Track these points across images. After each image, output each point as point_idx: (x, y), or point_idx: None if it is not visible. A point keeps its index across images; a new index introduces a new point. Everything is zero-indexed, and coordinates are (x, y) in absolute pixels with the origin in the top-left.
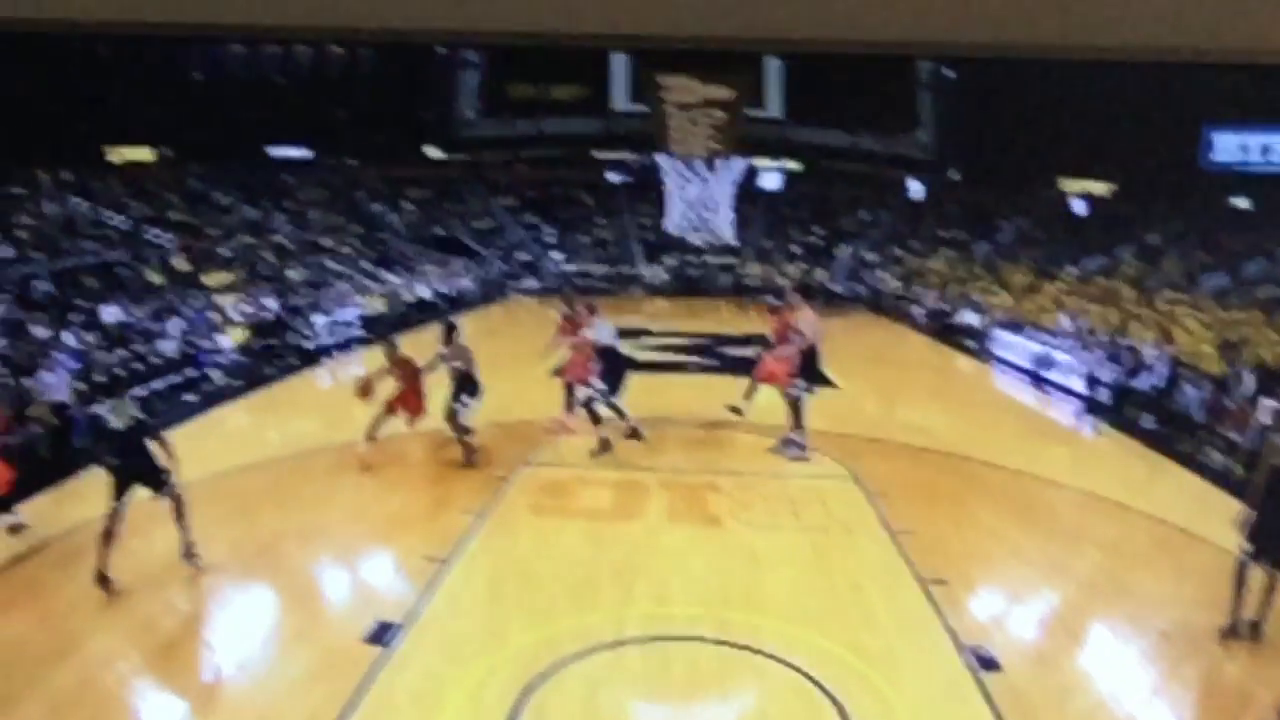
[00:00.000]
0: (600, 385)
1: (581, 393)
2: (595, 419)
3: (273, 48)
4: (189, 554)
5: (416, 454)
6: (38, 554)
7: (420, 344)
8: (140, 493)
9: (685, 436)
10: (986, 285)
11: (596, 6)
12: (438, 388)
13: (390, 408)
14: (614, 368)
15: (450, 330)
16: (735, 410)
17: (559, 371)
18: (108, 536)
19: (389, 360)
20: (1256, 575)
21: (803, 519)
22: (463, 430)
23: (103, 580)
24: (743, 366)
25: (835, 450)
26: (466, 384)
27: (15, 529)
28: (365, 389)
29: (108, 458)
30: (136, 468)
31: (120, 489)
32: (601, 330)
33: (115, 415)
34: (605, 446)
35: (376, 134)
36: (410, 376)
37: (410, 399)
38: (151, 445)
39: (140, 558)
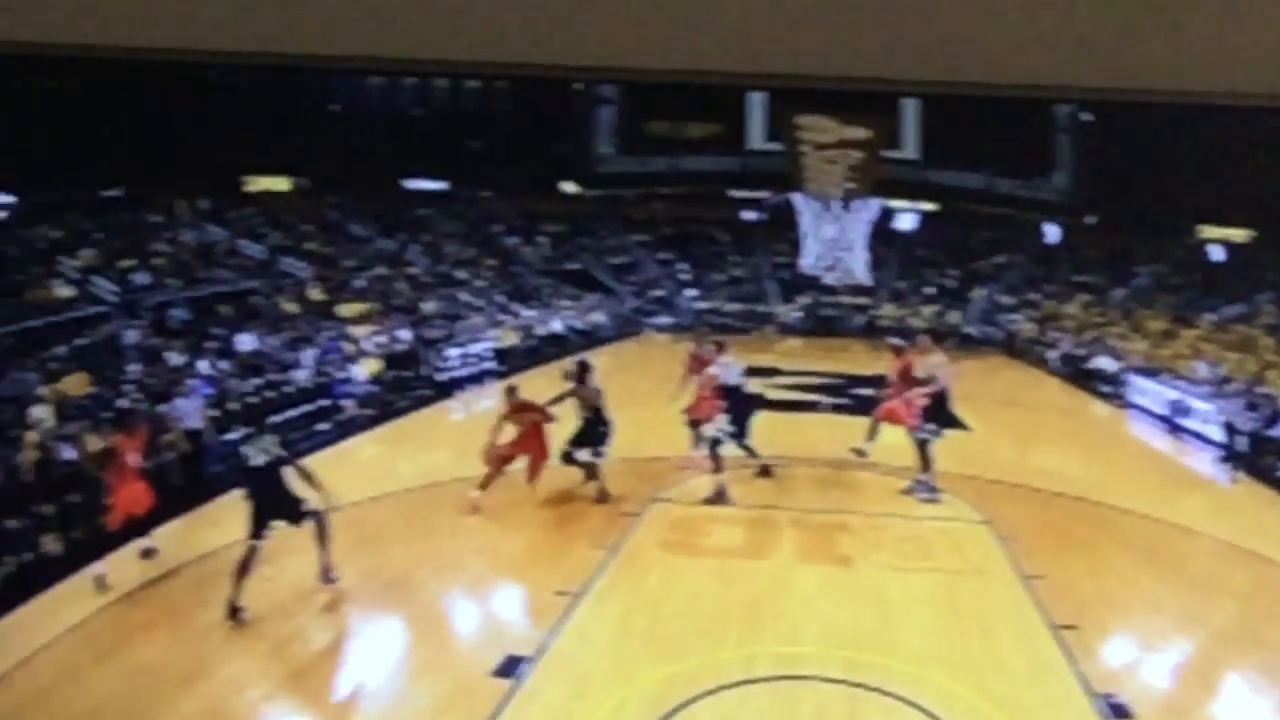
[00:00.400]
0: (727, 427)
1: (708, 430)
2: (716, 464)
3: (410, 80)
4: (327, 576)
5: (546, 489)
6: (170, 579)
7: (551, 377)
8: (279, 525)
9: (816, 476)
10: (1122, 330)
11: (735, 45)
12: (563, 425)
13: (507, 457)
14: (741, 407)
15: (584, 370)
16: (859, 452)
17: (687, 410)
18: (243, 570)
19: (509, 408)
20: None
21: (934, 561)
22: (593, 472)
23: (234, 612)
24: (875, 407)
25: (967, 493)
26: (597, 427)
27: (147, 553)
28: (492, 459)
29: (247, 493)
30: (275, 503)
31: (258, 524)
32: (729, 370)
33: (255, 451)
34: (720, 497)
35: (512, 168)
36: (533, 423)
37: (533, 445)
38: (291, 477)
39: (272, 585)
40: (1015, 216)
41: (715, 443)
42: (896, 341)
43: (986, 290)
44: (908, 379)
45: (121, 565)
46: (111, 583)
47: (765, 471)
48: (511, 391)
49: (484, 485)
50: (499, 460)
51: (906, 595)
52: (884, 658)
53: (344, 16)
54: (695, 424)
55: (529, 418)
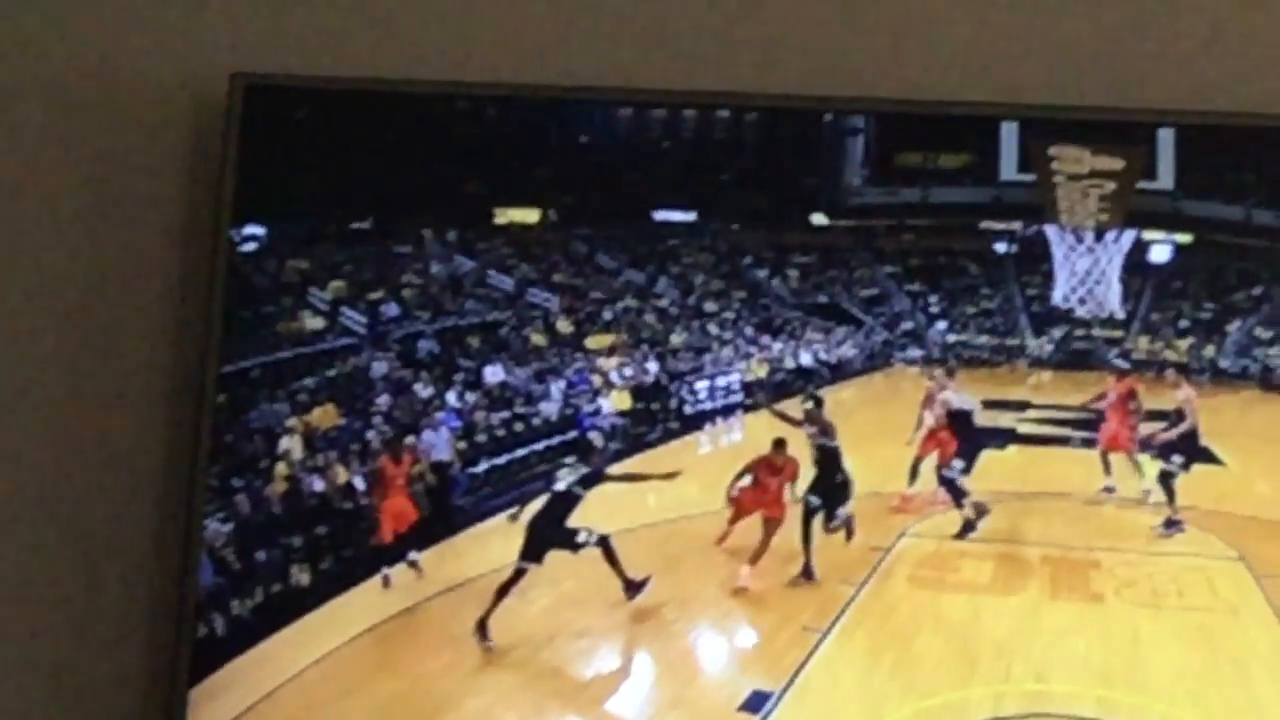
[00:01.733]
0: (959, 464)
1: (944, 472)
2: (957, 497)
3: (659, 111)
4: (631, 588)
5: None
6: (414, 613)
7: (798, 413)
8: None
9: (1067, 511)
10: None
11: (987, 75)
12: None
13: (743, 509)
14: (969, 440)
15: (816, 403)
16: (1108, 490)
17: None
18: (504, 591)
19: (770, 458)
20: None
21: (1187, 599)
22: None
23: (483, 627)
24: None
25: (1221, 529)
26: (833, 473)
27: (412, 564)
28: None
29: (538, 515)
30: (558, 530)
31: (538, 549)
32: (957, 396)
33: (567, 473)
34: (969, 527)
35: (761, 199)
36: (778, 479)
37: (770, 502)
38: (577, 507)
39: (519, 618)
40: (1274, 248)
41: (949, 482)
42: (1120, 363)
43: (1243, 323)
44: (1126, 404)
45: (398, 575)
46: (396, 584)
47: (980, 513)
48: (779, 447)
49: (753, 560)
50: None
51: (1159, 633)
52: (1135, 696)
53: (592, 48)
54: (918, 462)
55: (780, 473)
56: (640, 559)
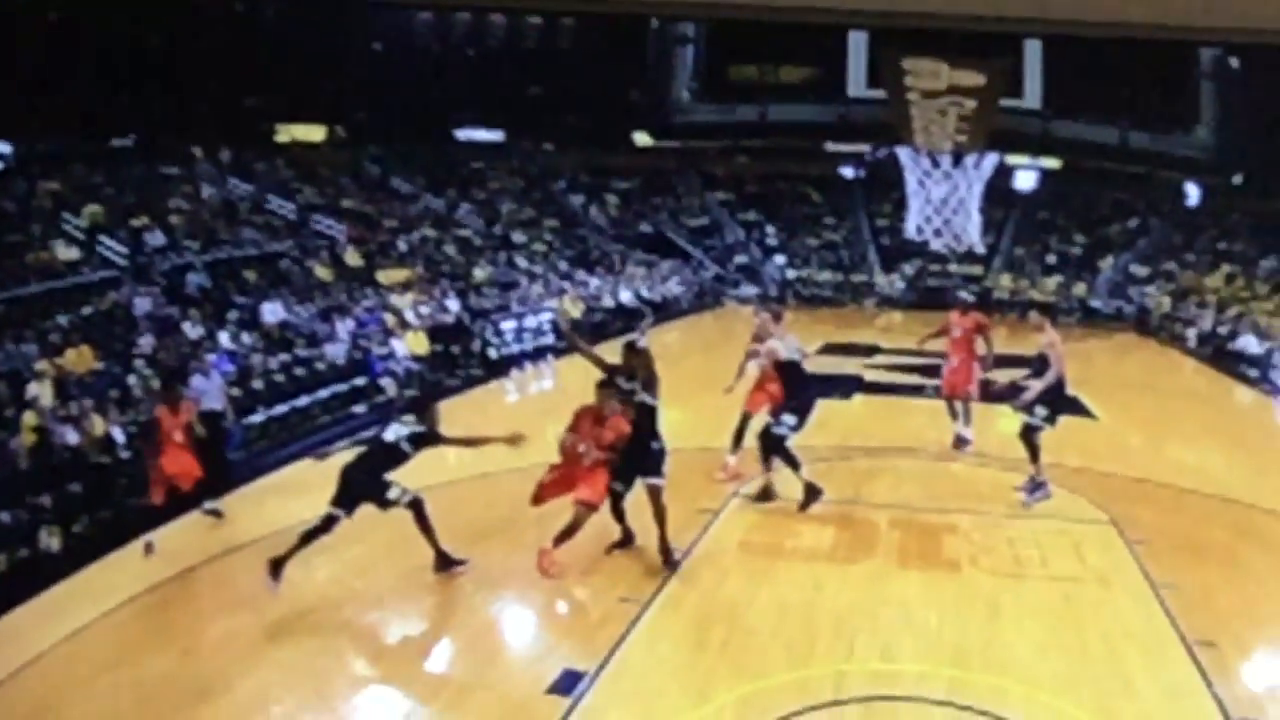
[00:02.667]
0: (790, 420)
1: (774, 429)
2: (792, 463)
3: (463, 16)
4: (447, 562)
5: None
6: (182, 582)
7: (618, 358)
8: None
9: (919, 469)
10: (1272, 307)
11: None
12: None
13: (549, 489)
14: (801, 394)
15: (634, 349)
16: (960, 440)
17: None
18: (310, 536)
19: (596, 407)
20: None
21: (1052, 567)
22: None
23: (277, 568)
24: (986, 391)
25: (1091, 490)
26: (647, 439)
27: (212, 512)
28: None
29: (355, 461)
30: (373, 482)
31: (350, 500)
32: (785, 344)
33: (398, 425)
34: (813, 495)
35: (577, 116)
36: (603, 440)
37: (587, 477)
38: (395, 469)
39: (300, 590)
40: (1151, 175)
41: (780, 440)
42: (964, 295)
43: (1117, 259)
44: (971, 342)
45: (176, 536)
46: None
47: (812, 493)
48: (610, 388)
49: (558, 540)
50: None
51: (1020, 605)
52: (993, 676)
53: None
54: (747, 418)
55: (601, 433)
56: (436, 520)
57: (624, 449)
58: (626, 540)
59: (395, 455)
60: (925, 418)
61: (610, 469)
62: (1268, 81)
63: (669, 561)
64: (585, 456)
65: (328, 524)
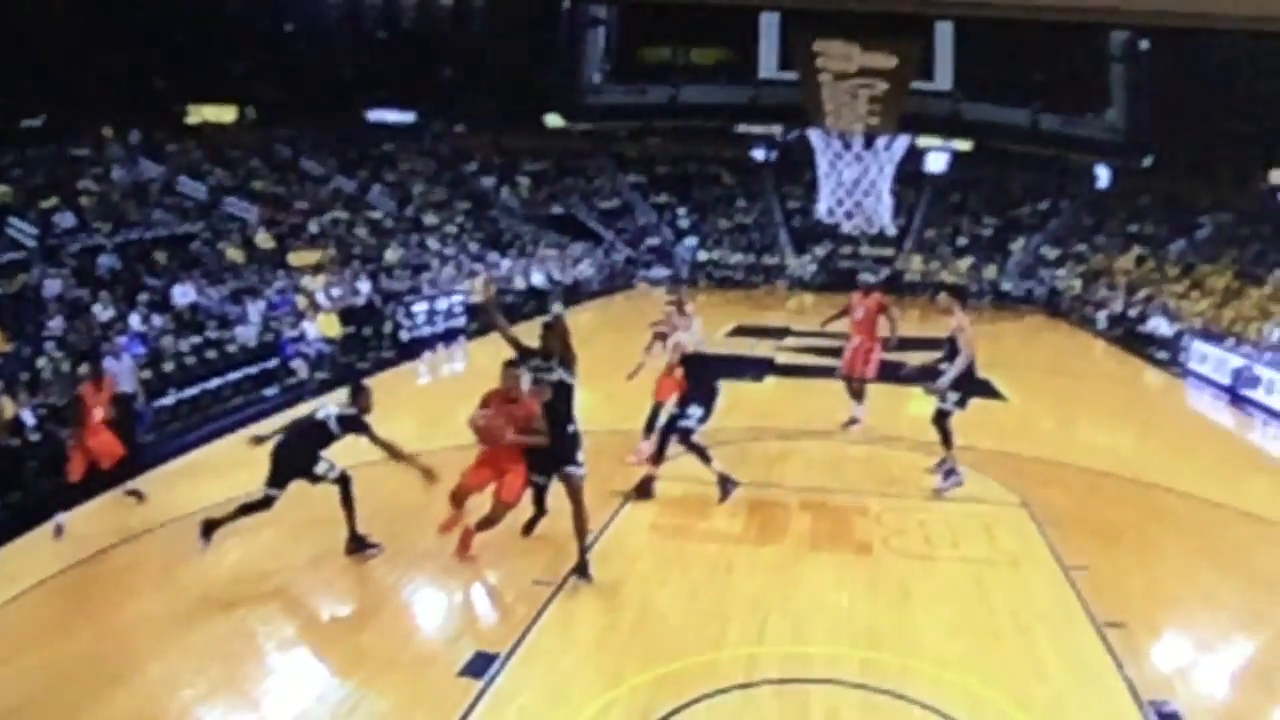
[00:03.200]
0: (696, 412)
1: (682, 421)
2: (702, 456)
3: None
4: (361, 544)
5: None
6: (94, 564)
7: (531, 340)
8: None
9: (830, 451)
10: (1181, 288)
11: None
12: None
13: (465, 489)
14: (705, 385)
15: (551, 328)
16: (852, 421)
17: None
18: (247, 510)
19: (505, 389)
20: None
21: (963, 549)
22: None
23: (209, 530)
24: (898, 373)
25: (1002, 472)
26: (564, 421)
27: (134, 494)
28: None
29: (285, 439)
30: (304, 458)
31: (277, 478)
32: (690, 336)
33: (325, 408)
34: (727, 487)
35: (489, 98)
36: (515, 419)
37: (506, 471)
38: (324, 449)
39: (212, 573)
40: (1061, 158)
41: (687, 433)
42: (865, 277)
43: (1027, 241)
44: (874, 324)
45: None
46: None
47: (725, 484)
48: (516, 367)
49: (480, 527)
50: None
51: (931, 588)
52: (905, 658)
53: None
54: (658, 406)
55: (514, 414)
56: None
57: (541, 433)
58: (539, 516)
59: (324, 434)
60: (837, 400)
61: (527, 458)
62: (1177, 64)
63: (584, 572)
64: (502, 435)
65: (266, 503)
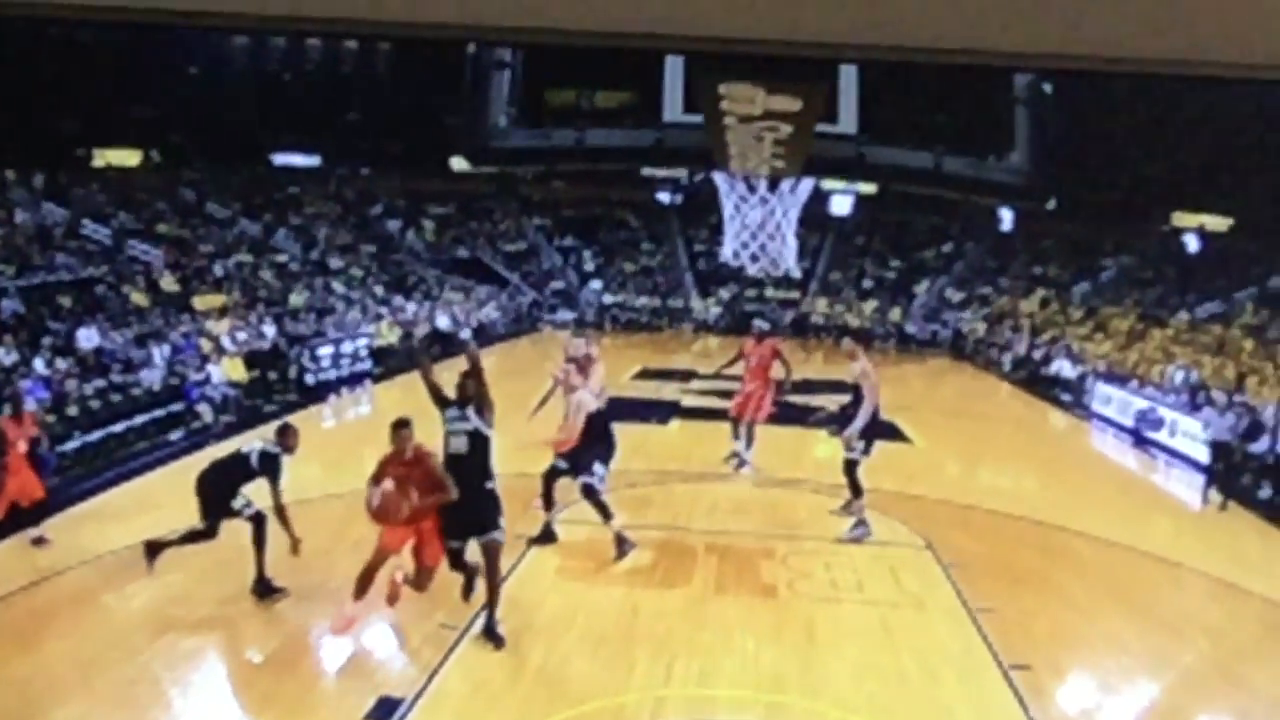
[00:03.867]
0: (600, 470)
1: (584, 477)
2: (604, 513)
3: (279, 40)
4: (267, 587)
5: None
6: None
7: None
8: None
9: (736, 494)
10: (1085, 331)
11: (648, 3)
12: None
13: (383, 552)
14: (605, 441)
15: (470, 376)
16: (735, 456)
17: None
18: (191, 539)
19: (397, 451)
20: None
21: (868, 592)
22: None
23: (154, 551)
24: (804, 416)
25: (908, 515)
26: (481, 478)
27: (39, 541)
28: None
29: (214, 475)
30: (218, 494)
31: (206, 511)
32: (591, 396)
33: (250, 443)
34: (622, 548)
35: (394, 141)
36: (414, 484)
37: (418, 542)
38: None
39: (116, 618)
40: (966, 200)
41: (591, 490)
42: (758, 324)
43: (932, 284)
44: (768, 371)
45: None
46: None
47: (621, 545)
48: (401, 428)
49: (361, 590)
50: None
51: (837, 630)
52: (810, 701)
53: None
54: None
55: (418, 473)
56: (251, 548)
57: (459, 490)
58: (470, 580)
59: (245, 469)
60: (751, 448)
61: (442, 518)
62: (1080, 107)
63: (494, 636)
64: (399, 510)
65: (210, 532)
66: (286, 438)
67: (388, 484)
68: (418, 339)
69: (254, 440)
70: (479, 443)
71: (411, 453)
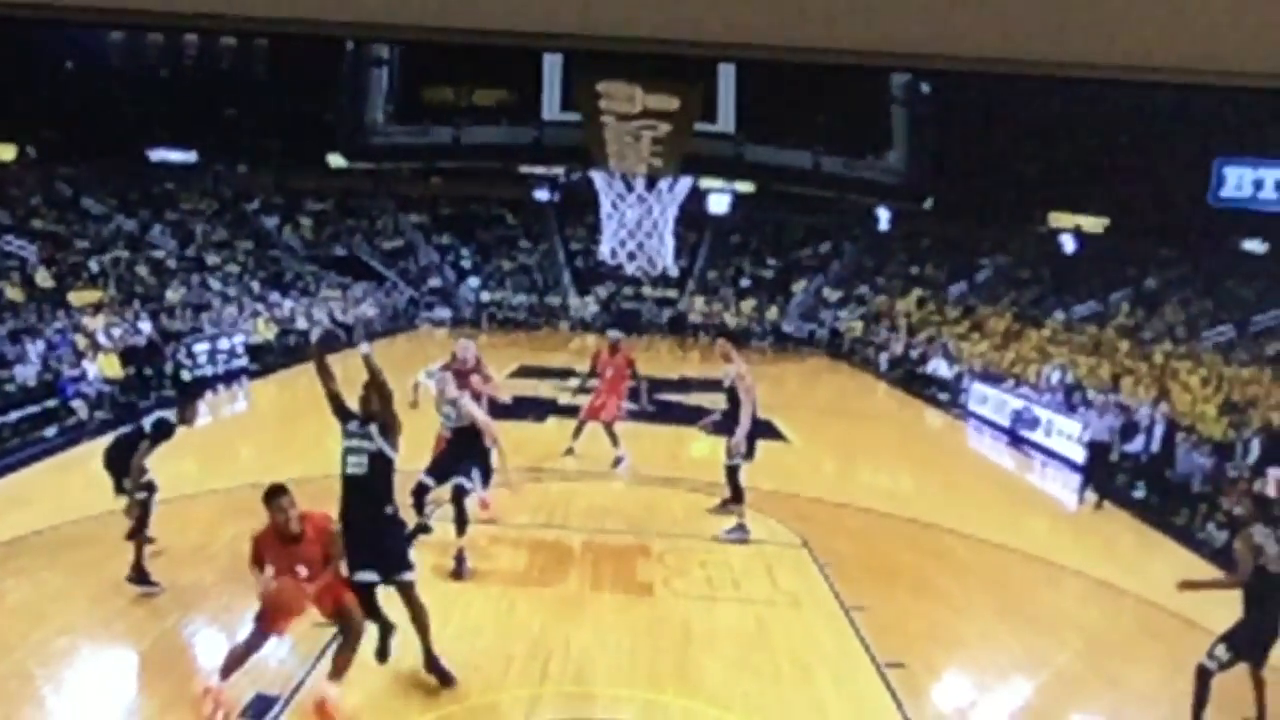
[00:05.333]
0: (478, 479)
1: (467, 483)
2: (462, 525)
3: (156, 35)
4: (138, 577)
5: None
6: None
7: (314, 380)
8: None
9: (612, 492)
10: (961, 330)
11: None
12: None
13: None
14: (483, 454)
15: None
16: (569, 452)
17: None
18: (140, 526)
19: (278, 527)
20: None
21: (744, 590)
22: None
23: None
24: (681, 415)
25: (784, 513)
26: (386, 490)
27: None
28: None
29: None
30: (118, 465)
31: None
32: (476, 409)
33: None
34: (460, 571)
35: (271, 138)
36: (305, 563)
37: (321, 595)
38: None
39: None
40: (844, 200)
41: (461, 493)
42: (615, 334)
43: (809, 283)
44: (623, 379)
45: None
46: None
47: (459, 564)
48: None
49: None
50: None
51: (713, 628)
52: (686, 699)
53: None
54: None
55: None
56: (127, 543)
57: (355, 520)
58: (386, 632)
59: (140, 436)
60: (622, 445)
61: (337, 569)
62: (957, 107)
63: (445, 678)
64: (302, 598)
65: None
66: (185, 409)
67: (276, 577)
68: (315, 337)
69: (156, 412)
70: (380, 465)
71: (297, 526)
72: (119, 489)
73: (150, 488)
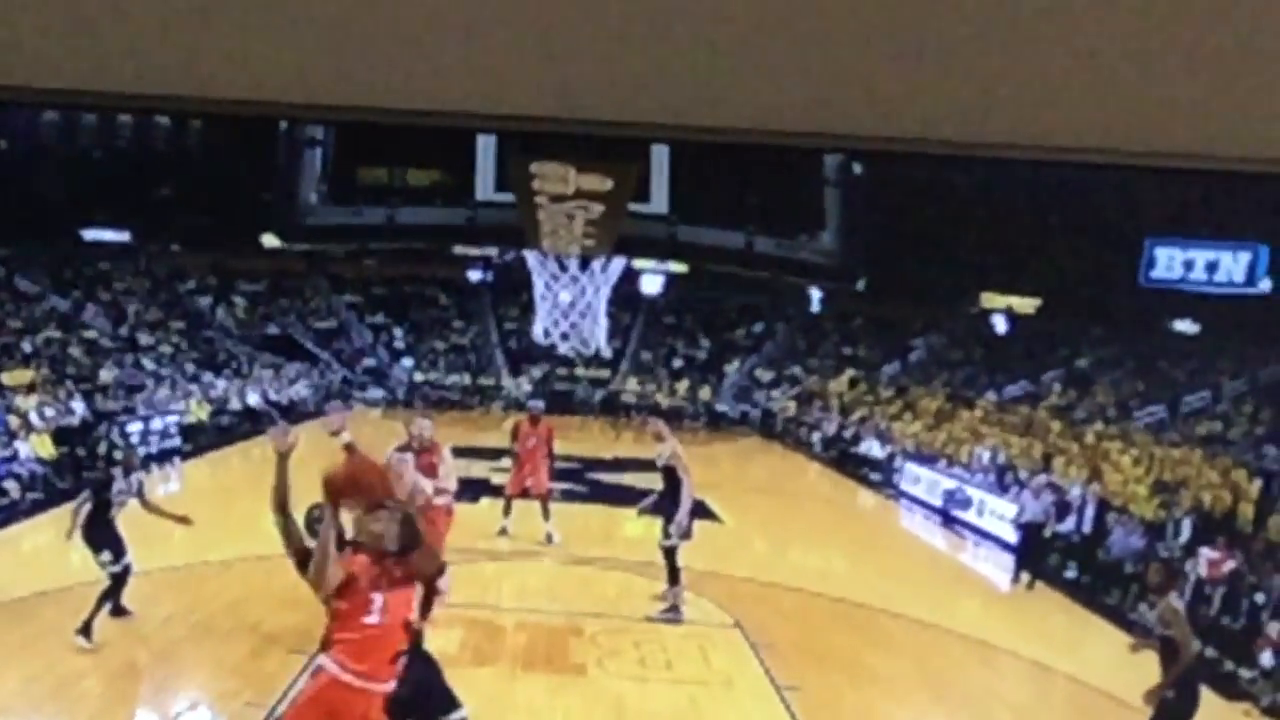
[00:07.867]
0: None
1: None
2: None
3: (90, 116)
4: (83, 629)
5: (237, 586)
6: None
7: (248, 461)
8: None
9: (545, 572)
10: (894, 410)
11: (459, 82)
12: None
13: None
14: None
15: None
16: (503, 531)
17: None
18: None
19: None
20: None
21: (677, 670)
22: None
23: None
24: (615, 494)
25: (717, 593)
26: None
27: None
28: None
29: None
30: (98, 536)
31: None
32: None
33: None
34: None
35: (205, 218)
36: None
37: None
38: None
39: None
40: (776, 280)
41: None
42: (536, 405)
43: (742, 363)
44: (546, 449)
45: None
46: None
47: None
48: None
49: None
50: None
51: (645, 709)
52: None
53: (12, 42)
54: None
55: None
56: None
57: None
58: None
59: (109, 506)
60: (553, 521)
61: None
62: (889, 188)
63: None
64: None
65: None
66: (130, 459)
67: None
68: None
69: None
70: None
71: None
72: (117, 557)
73: (121, 577)
